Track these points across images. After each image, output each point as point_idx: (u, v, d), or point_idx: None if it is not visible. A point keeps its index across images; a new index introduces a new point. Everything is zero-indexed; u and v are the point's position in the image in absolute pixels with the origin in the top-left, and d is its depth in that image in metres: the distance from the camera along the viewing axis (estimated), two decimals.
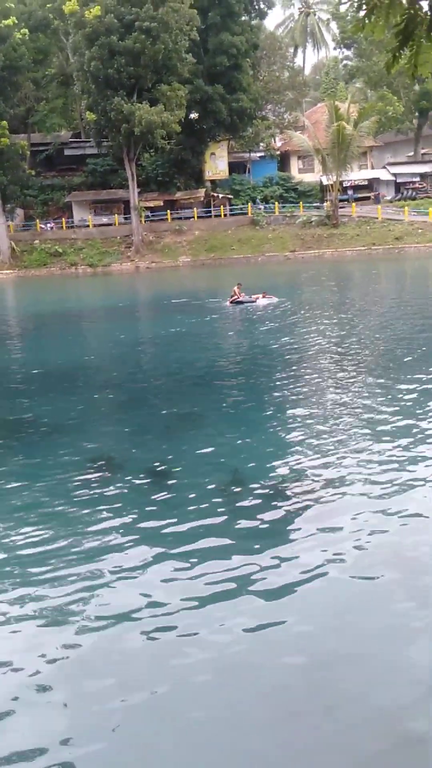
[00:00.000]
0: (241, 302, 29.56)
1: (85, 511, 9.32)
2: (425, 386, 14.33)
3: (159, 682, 5.97)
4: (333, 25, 76.91)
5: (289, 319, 25.63)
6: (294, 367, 17.51)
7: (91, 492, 9.96)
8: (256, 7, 67.09)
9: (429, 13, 5.03)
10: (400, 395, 13.81)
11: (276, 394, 14.97)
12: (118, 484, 10.21)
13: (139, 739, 5.34)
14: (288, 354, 19.21)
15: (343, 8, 68.86)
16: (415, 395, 13.69)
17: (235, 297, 29.85)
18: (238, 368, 18.33)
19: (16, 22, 58.43)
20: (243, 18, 63.89)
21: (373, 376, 15.76)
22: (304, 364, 17.82)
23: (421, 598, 6.90)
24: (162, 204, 65.86)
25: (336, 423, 12.31)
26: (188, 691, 5.82)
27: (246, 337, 23.07)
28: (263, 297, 29.96)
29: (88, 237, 64.05)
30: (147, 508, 9.26)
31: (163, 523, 8.79)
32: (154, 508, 9.27)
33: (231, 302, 29.77)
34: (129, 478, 10.44)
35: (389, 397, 13.82)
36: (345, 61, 73.01)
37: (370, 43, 61.96)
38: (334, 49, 77.94)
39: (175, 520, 8.86)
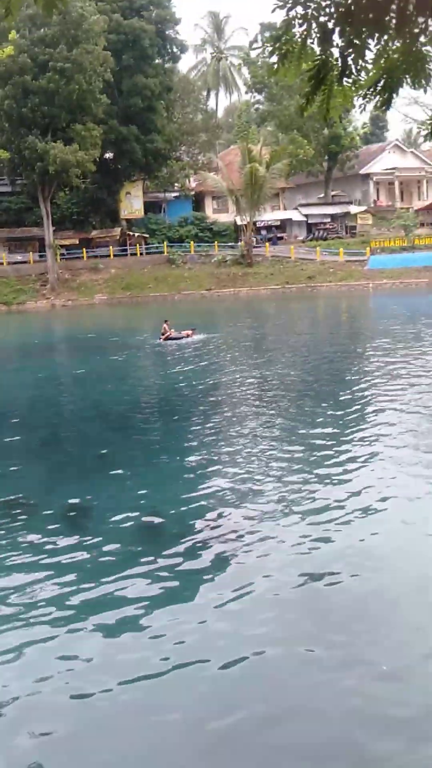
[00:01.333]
0: (173, 338, 29.66)
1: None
2: (338, 420, 14.59)
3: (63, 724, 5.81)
4: (244, 70, 78.80)
5: (211, 356, 25.74)
6: (212, 406, 17.54)
7: (6, 534, 9.68)
8: (170, 50, 68.25)
9: (339, 60, 5.20)
10: (311, 433, 13.98)
11: (193, 432, 14.92)
12: (33, 527, 9.96)
13: None
14: (207, 392, 19.23)
15: (254, 54, 70.95)
16: (324, 432, 13.90)
17: (168, 334, 29.92)
18: (157, 407, 18.25)
19: None
20: (156, 61, 64.89)
21: (288, 413, 15.90)
22: (222, 402, 17.89)
23: (335, 634, 6.94)
24: (77, 242, 65.64)
25: (254, 461, 12.35)
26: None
27: (166, 374, 22.98)
28: (192, 333, 30.20)
29: (2, 275, 63.10)
30: (63, 552, 9.04)
31: (79, 565, 8.61)
32: (71, 551, 9.06)
33: (164, 339, 29.80)
34: (44, 520, 10.21)
35: (301, 434, 13.96)
36: (257, 105, 74.79)
37: (281, 88, 63.83)
38: (246, 93, 79.83)
39: (92, 562, 8.70)
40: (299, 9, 5.13)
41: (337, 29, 5.08)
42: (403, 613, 7.29)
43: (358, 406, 15.91)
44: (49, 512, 10.53)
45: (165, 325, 30.40)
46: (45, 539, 9.47)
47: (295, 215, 69.52)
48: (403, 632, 6.95)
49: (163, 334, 30.12)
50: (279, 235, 66.94)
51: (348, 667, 6.42)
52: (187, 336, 30.03)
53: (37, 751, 5.62)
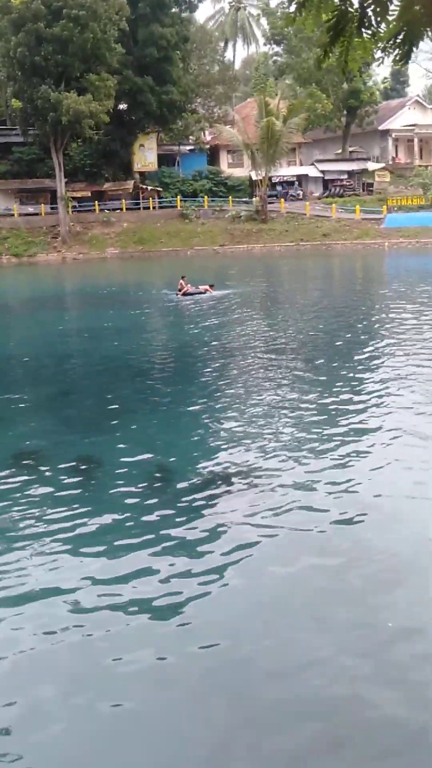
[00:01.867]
0: (190, 293, 29.53)
1: (11, 506, 9.14)
2: (349, 379, 14.54)
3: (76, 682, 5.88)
4: (263, 20, 77.09)
5: (226, 313, 25.67)
6: (225, 362, 17.52)
7: (17, 486, 9.78)
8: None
9: (359, 10, 5.01)
10: (324, 388, 13.96)
11: (206, 387, 14.98)
12: (45, 478, 10.06)
13: None
14: (220, 348, 19.20)
15: (273, 4, 69.38)
16: (335, 387, 13.88)
17: (185, 289, 29.77)
18: (170, 362, 18.23)
19: None
20: (173, 10, 63.51)
21: (301, 371, 15.89)
22: (236, 358, 17.82)
23: (353, 588, 6.97)
24: (90, 195, 65.04)
25: (265, 416, 12.39)
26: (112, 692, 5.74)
27: (180, 330, 22.93)
28: (210, 289, 30.03)
29: (12, 226, 62.73)
30: (73, 503, 9.13)
31: (90, 517, 8.70)
32: (81, 502, 9.15)
33: (181, 294, 29.65)
34: (56, 471, 10.30)
35: (313, 389, 13.94)
36: (275, 57, 73.25)
37: (300, 40, 62.49)
38: (264, 44, 78.07)
39: (103, 513, 8.79)
40: None
41: None
42: (414, 572, 7.30)
43: (370, 365, 15.90)
44: (59, 464, 10.59)
45: (182, 281, 30.25)
46: (55, 491, 9.56)
47: (312, 171, 68.51)
48: (413, 592, 6.96)
49: (180, 290, 29.98)
50: (296, 191, 65.86)
51: (356, 626, 6.45)
52: (205, 291, 29.87)
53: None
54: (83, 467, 10.49)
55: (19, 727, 5.42)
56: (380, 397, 13.24)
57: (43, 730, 5.37)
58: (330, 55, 5.36)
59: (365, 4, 4.95)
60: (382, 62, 5.74)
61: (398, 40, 5.42)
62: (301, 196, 65.46)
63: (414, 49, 5.54)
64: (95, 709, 5.58)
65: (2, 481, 10.03)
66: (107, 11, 53.97)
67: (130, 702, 5.59)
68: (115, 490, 9.48)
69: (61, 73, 55.23)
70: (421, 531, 8.07)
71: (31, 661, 6.15)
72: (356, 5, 5.05)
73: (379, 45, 5.48)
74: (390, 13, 5.27)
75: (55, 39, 52.75)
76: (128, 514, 8.72)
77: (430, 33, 5.47)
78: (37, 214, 63.87)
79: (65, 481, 9.91)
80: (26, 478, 10.13)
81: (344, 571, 7.31)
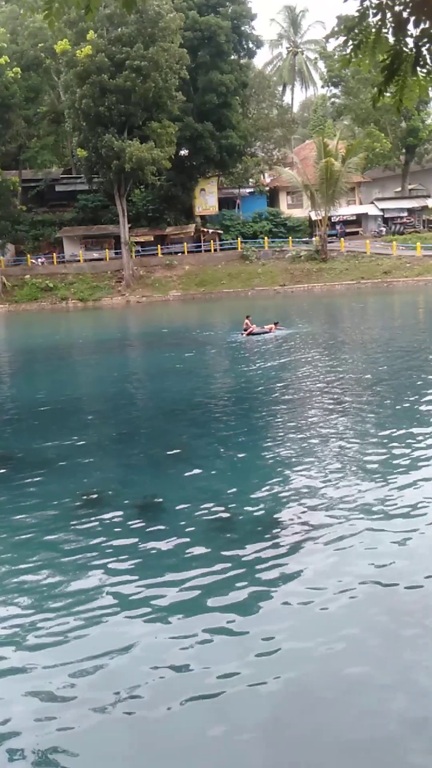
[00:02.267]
0: (255, 333, 29.76)
1: (76, 546, 9.24)
2: (415, 424, 14.36)
3: (152, 711, 5.89)
4: (320, 64, 78.18)
5: (289, 353, 25.60)
6: (289, 403, 17.42)
7: (82, 527, 9.87)
8: (245, 46, 68.22)
9: (414, 50, 5.12)
10: (392, 432, 13.78)
11: (269, 429, 14.91)
12: (109, 520, 10.12)
13: None
14: (284, 389, 19.08)
15: (330, 48, 70.25)
16: (404, 432, 13.67)
17: (251, 329, 29.99)
18: (233, 403, 18.21)
19: (8, 60, 59.20)
20: (232, 57, 64.91)
21: (365, 414, 15.73)
22: (299, 400, 17.75)
23: (413, 631, 6.83)
24: (152, 239, 66.31)
25: (328, 460, 12.26)
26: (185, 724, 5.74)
27: (244, 370, 22.97)
28: (275, 327, 30.20)
29: (78, 272, 64.33)
30: (137, 544, 9.17)
31: (154, 558, 8.73)
32: (145, 543, 9.18)
33: (246, 334, 29.90)
34: (119, 513, 10.35)
35: (381, 434, 13.80)
36: (333, 99, 73.95)
37: (357, 81, 63.06)
38: (322, 87, 78.95)
39: (167, 555, 8.79)
40: None
41: (412, 19, 5.00)
42: None
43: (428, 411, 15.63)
44: (120, 507, 10.66)
45: (247, 321, 30.48)
46: (116, 534, 9.59)
47: (371, 209, 68.58)
48: None
49: (245, 330, 30.16)
50: (347, 230, 65.82)
51: (407, 690, 6.32)
52: (270, 330, 30.01)
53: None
54: (145, 510, 10.52)
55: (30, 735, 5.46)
56: None
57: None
58: (385, 94, 5.47)
59: (420, 44, 5.05)
60: None
61: None
62: (359, 233, 65.36)
63: None
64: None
65: (65, 522, 10.14)
66: (168, 61, 55.47)
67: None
68: (176, 534, 9.43)
69: (124, 122, 56.82)
70: None
71: (88, 715, 6.15)
72: (411, 45, 5.16)
73: None
74: None
75: (118, 90, 54.41)
76: (188, 559, 8.67)
77: None
78: (101, 260, 65.38)
79: (126, 524, 9.94)
80: (89, 520, 10.20)
81: (412, 635, 7.10)
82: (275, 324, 30.51)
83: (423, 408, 15.43)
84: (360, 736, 5.50)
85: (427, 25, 4.93)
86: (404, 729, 5.56)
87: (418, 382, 18.28)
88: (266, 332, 29.78)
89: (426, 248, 58.78)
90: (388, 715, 5.71)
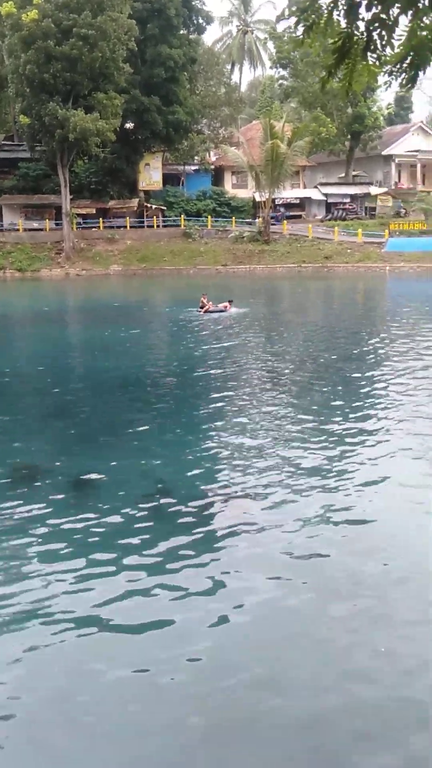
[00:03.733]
0: (212, 311, 29.79)
1: (5, 521, 9.13)
2: (349, 402, 14.59)
3: (65, 687, 5.87)
4: (270, 44, 77.99)
5: (229, 332, 25.62)
6: (228, 381, 17.38)
7: (15, 501, 9.74)
8: (195, 21, 67.50)
9: (365, 33, 5.11)
10: (328, 411, 14.01)
11: (210, 407, 14.88)
12: (42, 494, 10.02)
13: None
14: (226, 368, 19.00)
15: (280, 28, 70.09)
16: (339, 411, 13.92)
17: (207, 306, 29.99)
18: (177, 381, 18.11)
19: None
20: (181, 32, 64.17)
21: (303, 394, 15.90)
22: (241, 379, 17.68)
23: (349, 603, 6.96)
24: (94, 212, 65.43)
25: (265, 436, 12.39)
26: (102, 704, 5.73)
27: (191, 348, 22.81)
28: (230, 306, 30.40)
29: (17, 241, 63.03)
30: (69, 519, 9.10)
31: (85, 534, 8.68)
32: (76, 519, 9.11)
33: (204, 311, 29.86)
34: (52, 487, 10.28)
35: (319, 413, 13.97)
36: (281, 81, 73.89)
37: (306, 64, 63.06)
38: (271, 68, 78.91)
39: (100, 529, 8.76)
40: None
41: (364, 2, 4.99)
42: (405, 592, 7.30)
43: (369, 389, 15.95)
44: (56, 480, 10.59)
45: (203, 299, 30.48)
46: (50, 507, 9.52)
47: (315, 194, 68.97)
48: (402, 612, 6.96)
49: (201, 307, 30.18)
50: (289, 213, 66.12)
51: (344, 648, 6.44)
52: (225, 308, 30.12)
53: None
54: (80, 484, 10.45)
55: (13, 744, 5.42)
56: (378, 418, 13.31)
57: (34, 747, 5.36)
58: (334, 77, 5.46)
59: (371, 28, 5.05)
60: (389, 86, 5.82)
61: (405, 65, 5.52)
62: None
63: (421, 74, 5.63)
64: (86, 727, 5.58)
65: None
66: (116, 31, 54.51)
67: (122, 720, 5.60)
68: (112, 507, 9.42)
69: (69, 91, 55.71)
70: (420, 551, 8.08)
71: (22, 679, 6.11)
72: (362, 29, 5.15)
73: (384, 69, 5.57)
74: (396, 37, 5.37)
75: (64, 57, 53.26)
76: (123, 532, 8.67)
77: None
78: (41, 230, 64.23)
79: (61, 497, 9.88)
80: (22, 493, 10.08)
81: (339, 594, 7.29)
82: (229, 302, 30.67)
83: (353, 389, 15.79)
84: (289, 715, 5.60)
85: (378, 10, 4.92)
86: (338, 707, 5.68)
87: (351, 367, 18.53)
88: (222, 311, 29.88)
89: (367, 235, 59.48)
90: (322, 692, 5.83)
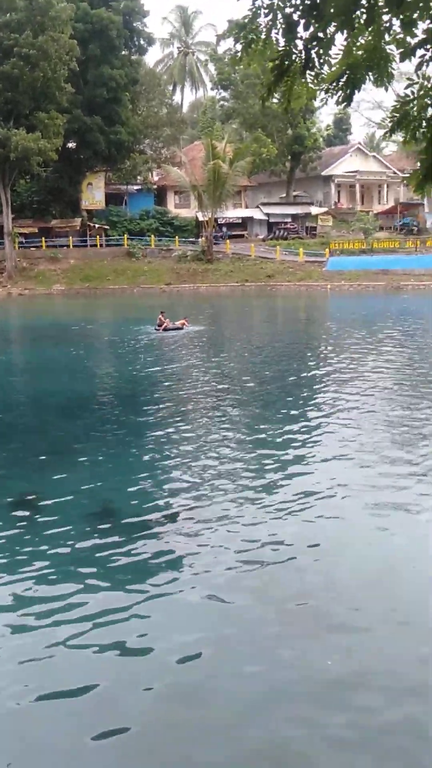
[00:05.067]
0: (170, 329, 29.82)
1: None
2: (293, 417, 14.74)
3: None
4: (211, 66, 78.86)
5: (171, 351, 25.63)
6: (175, 401, 17.33)
7: None
8: (137, 42, 67.86)
9: (303, 51, 5.23)
10: (271, 427, 14.11)
11: (155, 426, 14.82)
12: None
13: None
14: (171, 387, 19.03)
15: (220, 50, 70.93)
16: (283, 430, 14.03)
17: (165, 324, 29.96)
18: (117, 398, 18.05)
19: None
20: (123, 52, 64.45)
21: (246, 411, 16.01)
22: (186, 398, 17.62)
23: (297, 622, 7.00)
24: (37, 231, 64.95)
25: (209, 456, 12.39)
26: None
27: (141, 366, 22.69)
28: (186, 322, 30.58)
29: None
30: (13, 541, 8.96)
31: (29, 555, 8.55)
32: (20, 540, 8.98)
33: (162, 329, 29.79)
34: None
35: (261, 430, 14.07)
36: (222, 102, 74.69)
37: (246, 86, 63.92)
38: (212, 89, 79.80)
39: (43, 550, 8.63)
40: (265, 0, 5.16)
41: (302, 21, 5.11)
42: (366, 604, 7.37)
43: (312, 403, 16.15)
44: None
45: (161, 316, 30.50)
46: None
47: (257, 214, 69.73)
48: (362, 623, 7.02)
49: (159, 325, 30.15)
50: (231, 233, 66.75)
51: (296, 666, 6.47)
52: (182, 326, 30.20)
53: None
54: (24, 505, 10.29)
55: None
56: (322, 431, 13.48)
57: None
58: (274, 94, 5.56)
59: (309, 46, 5.17)
60: (325, 103, 5.97)
61: (341, 83, 5.66)
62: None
63: (356, 91, 5.78)
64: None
65: None
66: (57, 51, 54.47)
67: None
68: (56, 528, 9.30)
69: (10, 111, 55.39)
70: (372, 558, 8.18)
71: None
72: (300, 47, 5.27)
73: (322, 86, 5.70)
74: (333, 56, 5.51)
75: (5, 77, 52.99)
76: (68, 552, 8.58)
77: (371, 77, 5.73)
78: None
79: (4, 518, 9.73)
80: None
81: (288, 606, 7.31)
82: (185, 319, 30.89)
83: (297, 404, 15.96)
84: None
85: (315, 28, 5.05)
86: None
87: (294, 386, 18.72)
88: (179, 328, 29.98)
89: (308, 254, 60.30)
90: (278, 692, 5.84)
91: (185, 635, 6.77)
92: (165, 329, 29.79)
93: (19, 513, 9.96)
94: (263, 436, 13.43)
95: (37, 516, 9.85)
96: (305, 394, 17.27)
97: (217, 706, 5.88)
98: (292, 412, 15.44)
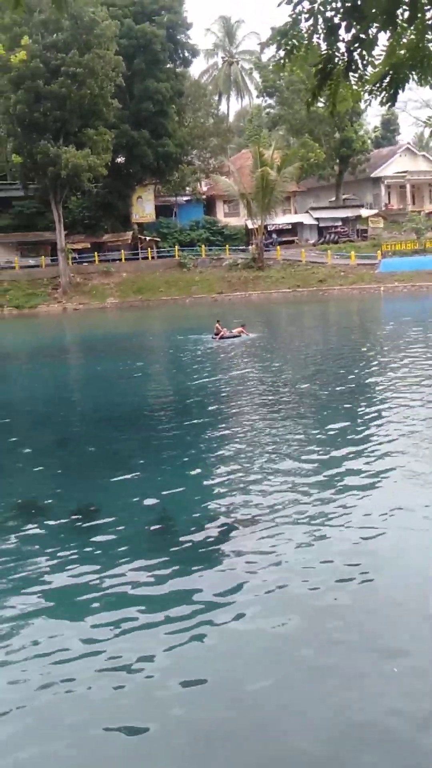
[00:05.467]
0: (227, 337, 30.01)
1: (9, 554, 9.08)
2: (352, 427, 14.58)
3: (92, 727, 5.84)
4: (255, 74, 79.06)
5: (226, 360, 25.68)
6: (232, 409, 17.34)
7: (16, 535, 9.71)
8: (181, 55, 68.53)
9: (346, 54, 5.23)
10: (330, 437, 13.97)
11: (213, 435, 14.82)
12: (44, 527, 9.98)
13: None
14: (228, 395, 19.04)
15: (265, 58, 71.08)
16: (342, 437, 13.88)
17: (222, 332, 30.18)
18: (175, 409, 18.07)
19: None
20: (168, 65, 65.12)
21: (308, 419, 15.86)
22: (243, 406, 17.58)
23: (355, 633, 6.93)
24: (89, 246, 65.89)
25: (265, 464, 12.30)
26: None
27: (190, 376, 22.69)
28: (244, 329, 30.72)
29: (14, 278, 63.42)
30: (72, 552, 9.04)
31: (88, 566, 8.61)
32: (79, 551, 9.06)
33: (219, 338, 30.02)
34: (55, 520, 10.23)
35: (319, 439, 13.95)
36: (268, 109, 74.81)
37: (292, 92, 63.91)
38: (257, 97, 79.95)
39: (103, 561, 8.70)
40: (306, 4, 5.17)
41: (343, 24, 5.11)
42: (408, 614, 7.27)
43: (372, 414, 15.82)
44: (58, 513, 10.55)
45: (217, 325, 30.72)
46: (53, 540, 9.49)
47: (307, 219, 69.51)
48: (420, 636, 6.92)
49: (216, 333, 30.34)
50: (281, 239, 66.61)
51: (354, 674, 6.41)
52: (239, 334, 30.33)
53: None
54: (83, 516, 10.40)
55: None
56: (380, 443, 13.20)
57: None
58: (319, 98, 5.57)
59: (351, 48, 5.17)
60: (370, 104, 5.94)
61: (385, 83, 5.64)
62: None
63: (400, 91, 5.74)
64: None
65: (1, 527, 10.00)
66: (104, 68, 55.32)
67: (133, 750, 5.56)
68: (114, 538, 9.38)
69: (59, 129, 56.43)
70: (427, 573, 8.05)
71: (30, 716, 6.04)
72: (342, 50, 5.27)
73: (365, 88, 5.69)
74: (376, 57, 5.50)
75: (54, 96, 54.04)
76: (126, 563, 8.62)
77: (415, 76, 5.70)
78: (37, 266, 64.66)
79: (64, 530, 9.84)
80: (25, 526, 10.07)
81: (348, 619, 7.23)
82: (242, 326, 30.93)
83: (356, 413, 15.68)
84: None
85: (357, 30, 5.05)
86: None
87: (353, 393, 18.41)
88: (236, 336, 30.10)
89: (360, 257, 59.83)
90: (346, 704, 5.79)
91: (242, 660, 6.76)
92: (222, 337, 29.88)
93: (80, 524, 10.08)
94: (322, 447, 13.24)
95: (92, 527, 9.93)
96: (365, 403, 16.88)
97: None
98: (353, 423, 15.03)
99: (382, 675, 6.21)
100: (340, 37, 5.20)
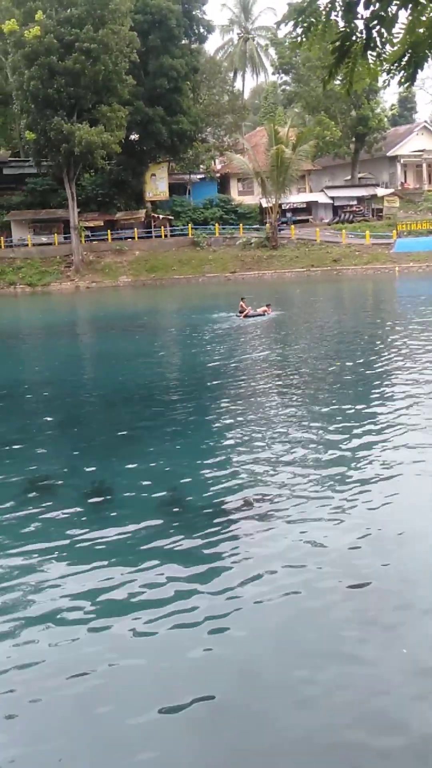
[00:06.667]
0: (252, 315, 29.97)
1: (22, 533, 9.14)
2: (366, 410, 14.52)
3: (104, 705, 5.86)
4: (271, 50, 78.15)
5: (244, 338, 25.61)
6: (246, 389, 17.17)
7: (29, 513, 9.76)
8: (196, 31, 67.76)
9: (364, 31, 5.12)
10: (344, 417, 13.92)
11: (226, 415, 14.75)
12: (56, 505, 10.01)
13: None
14: (242, 375, 18.87)
15: (281, 34, 70.21)
16: (354, 419, 13.83)
17: (246, 311, 30.13)
18: (188, 387, 18.09)
19: None
20: (183, 42, 64.45)
21: (317, 397, 15.81)
22: (258, 386, 17.47)
23: (362, 610, 6.92)
24: (102, 224, 65.72)
25: (278, 443, 12.30)
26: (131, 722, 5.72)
27: (212, 355, 22.57)
28: (269, 309, 30.65)
29: (26, 256, 63.43)
30: (84, 530, 9.08)
31: (100, 545, 8.65)
32: (92, 529, 9.09)
33: (243, 316, 29.97)
34: (67, 498, 10.27)
35: (332, 418, 13.90)
36: (283, 86, 74.01)
37: (308, 69, 63.20)
38: (273, 74, 79.03)
39: (115, 540, 8.74)
40: None
41: (362, 1, 5.00)
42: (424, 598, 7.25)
43: (386, 394, 15.77)
44: (70, 491, 10.61)
45: (242, 303, 30.68)
46: (65, 518, 9.53)
47: (322, 197, 68.94)
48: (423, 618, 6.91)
49: (241, 312, 30.32)
50: (296, 218, 66.17)
51: (368, 658, 6.40)
52: (264, 312, 30.25)
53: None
54: (95, 494, 10.45)
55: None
56: (394, 425, 13.18)
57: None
58: (335, 77, 5.47)
59: (370, 26, 5.05)
60: (388, 84, 5.82)
61: (403, 62, 5.53)
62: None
63: (419, 70, 5.63)
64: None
65: (14, 507, 10.03)
66: (118, 44, 54.83)
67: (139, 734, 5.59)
68: (127, 517, 9.40)
69: (73, 105, 56.08)
70: None
71: (36, 695, 6.08)
72: (360, 27, 5.16)
73: (383, 67, 5.58)
74: (395, 35, 5.38)
75: (68, 72, 53.63)
76: (137, 543, 8.65)
77: None
78: (50, 244, 64.58)
79: (76, 508, 9.88)
80: (37, 504, 10.11)
81: (358, 602, 7.22)
82: (267, 306, 30.84)
83: (371, 395, 15.59)
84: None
85: (377, 7, 4.93)
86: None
87: (369, 371, 18.28)
88: (261, 315, 30.02)
89: (374, 237, 59.40)
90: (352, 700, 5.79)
91: (255, 633, 6.77)
92: (246, 316, 29.78)
93: (92, 500, 10.14)
94: (340, 425, 13.20)
95: (104, 505, 9.99)
96: (385, 382, 16.81)
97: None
98: (373, 400, 15.02)
99: (393, 659, 6.21)
100: (359, 15, 5.09)
